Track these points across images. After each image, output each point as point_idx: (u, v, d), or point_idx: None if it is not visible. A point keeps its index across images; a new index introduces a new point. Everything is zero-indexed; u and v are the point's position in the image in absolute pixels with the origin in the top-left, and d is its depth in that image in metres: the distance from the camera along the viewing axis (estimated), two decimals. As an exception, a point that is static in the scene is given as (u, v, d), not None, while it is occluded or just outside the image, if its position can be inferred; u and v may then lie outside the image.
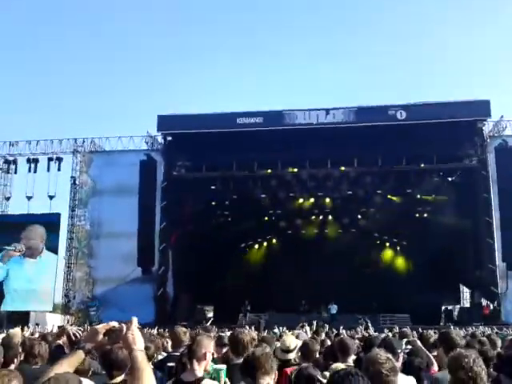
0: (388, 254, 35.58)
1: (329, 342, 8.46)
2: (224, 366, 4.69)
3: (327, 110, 28.73)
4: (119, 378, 4.51)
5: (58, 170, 31.47)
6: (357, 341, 8.50)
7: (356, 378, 2.90)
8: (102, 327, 3.09)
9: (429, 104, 28.80)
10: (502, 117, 28.74)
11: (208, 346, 4.64)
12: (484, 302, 27.59)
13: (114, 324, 3.06)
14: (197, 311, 30.92)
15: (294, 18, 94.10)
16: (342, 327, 14.88)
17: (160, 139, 30.97)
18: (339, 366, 4.82)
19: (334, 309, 28.08)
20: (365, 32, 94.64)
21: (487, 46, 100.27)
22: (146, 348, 5.95)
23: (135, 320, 2.94)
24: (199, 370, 4.50)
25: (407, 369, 5.39)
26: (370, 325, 19.63)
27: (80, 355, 3.08)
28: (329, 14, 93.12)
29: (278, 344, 6.25)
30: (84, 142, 31.56)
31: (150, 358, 5.95)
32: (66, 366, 2.99)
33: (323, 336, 10.91)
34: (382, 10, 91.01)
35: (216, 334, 7.02)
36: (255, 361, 3.73)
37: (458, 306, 33.04)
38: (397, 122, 27.87)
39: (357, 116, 28.35)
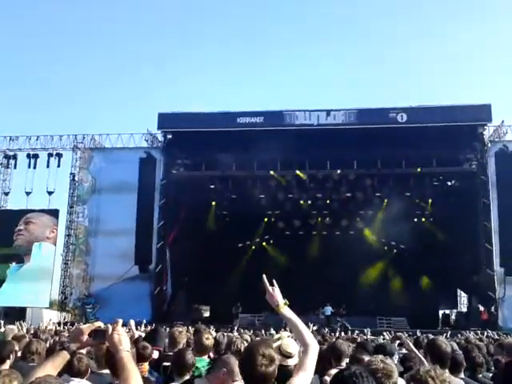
0: (386, 256, 35.51)
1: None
2: None
3: (328, 111, 28.67)
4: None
5: (58, 166, 31.40)
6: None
7: (361, 379, 2.83)
8: (87, 327, 3.07)
9: (430, 107, 28.79)
10: (503, 121, 28.68)
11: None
12: (481, 307, 27.51)
13: (100, 324, 3.05)
14: (193, 310, 30.84)
15: (295, 18, 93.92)
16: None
17: (160, 137, 30.85)
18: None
19: (328, 311, 27.90)
20: (365, 33, 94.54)
21: (489, 51, 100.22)
22: (144, 347, 5.97)
23: (120, 321, 2.94)
24: None
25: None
26: (349, 327, 19.67)
27: (65, 356, 3.05)
28: (331, 15, 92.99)
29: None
30: (84, 138, 31.43)
31: (147, 357, 5.95)
32: (49, 368, 2.95)
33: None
34: (381, 14, 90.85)
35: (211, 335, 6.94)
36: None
37: (456, 311, 32.99)
38: (397, 125, 27.81)
39: (357, 118, 28.28)
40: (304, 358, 3.45)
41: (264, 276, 3.56)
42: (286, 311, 3.50)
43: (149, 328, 15.07)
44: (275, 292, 3.54)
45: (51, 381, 2.71)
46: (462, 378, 5.31)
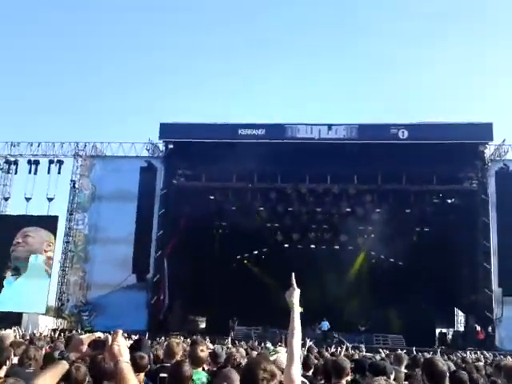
0: (384, 273, 35.31)
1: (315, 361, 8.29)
2: None
3: (329, 126, 28.68)
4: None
5: (59, 172, 31.51)
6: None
7: None
8: (86, 337, 3.07)
9: (431, 125, 28.75)
10: (504, 140, 28.65)
11: None
12: (478, 327, 27.28)
13: (99, 335, 3.04)
14: (189, 321, 30.66)
15: (299, 31, 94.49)
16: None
17: (161, 147, 30.90)
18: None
19: (325, 325, 27.75)
20: (370, 47, 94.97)
21: (491, 69, 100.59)
22: (141, 357, 5.93)
23: (120, 332, 2.93)
24: None
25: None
26: (345, 343, 19.49)
27: (64, 366, 3.05)
28: (335, 28, 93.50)
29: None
30: (86, 146, 31.58)
31: (144, 367, 5.90)
32: (49, 377, 2.95)
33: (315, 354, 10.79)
34: (384, 26, 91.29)
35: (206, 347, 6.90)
36: None
37: (452, 330, 32.75)
38: (398, 141, 27.82)
39: (359, 133, 28.30)
40: (292, 370, 3.26)
41: (293, 274, 3.71)
42: (295, 312, 3.53)
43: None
44: (295, 291, 3.62)
45: None
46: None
